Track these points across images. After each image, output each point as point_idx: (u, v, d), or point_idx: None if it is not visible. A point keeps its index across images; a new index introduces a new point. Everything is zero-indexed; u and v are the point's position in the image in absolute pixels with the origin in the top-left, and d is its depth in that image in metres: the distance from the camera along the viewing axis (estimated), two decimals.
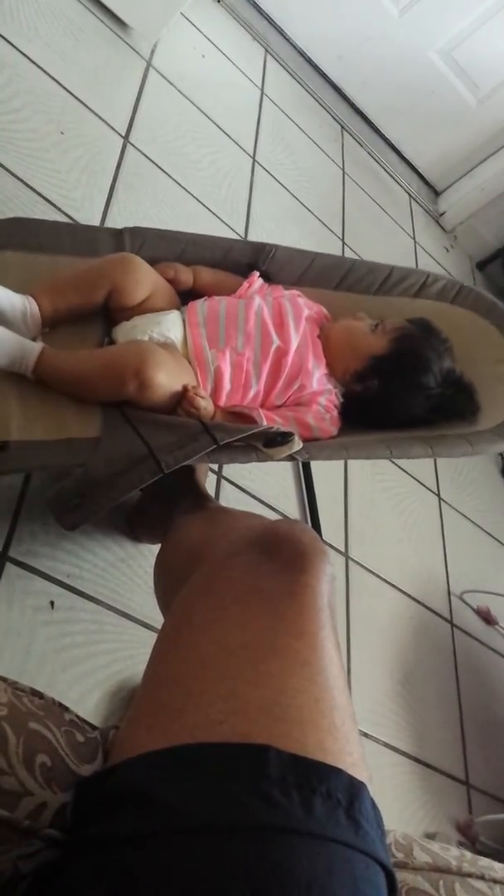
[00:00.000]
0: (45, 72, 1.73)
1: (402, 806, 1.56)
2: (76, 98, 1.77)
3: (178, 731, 0.54)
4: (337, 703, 0.58)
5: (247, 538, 0.76)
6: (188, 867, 0.45)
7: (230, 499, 1.56)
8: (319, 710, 0.56)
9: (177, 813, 0.48)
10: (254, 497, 1.62)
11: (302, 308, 1.22)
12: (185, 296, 1.23)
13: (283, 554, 0.70)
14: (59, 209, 1.56)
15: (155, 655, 0.68)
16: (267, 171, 2.32)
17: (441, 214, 3.24)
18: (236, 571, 0.71)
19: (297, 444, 1.03)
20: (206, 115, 2.18)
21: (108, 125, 1.82)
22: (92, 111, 1.79)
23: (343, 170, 2.79)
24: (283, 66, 2.77)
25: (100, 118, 1.80)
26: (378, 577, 1.83)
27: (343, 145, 2.89)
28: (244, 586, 0.68)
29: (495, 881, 0.76)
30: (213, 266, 1.27)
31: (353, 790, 0.52)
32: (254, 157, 2.29)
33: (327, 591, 0.68)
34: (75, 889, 0.47)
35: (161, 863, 0.45)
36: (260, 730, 0.53)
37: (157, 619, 1.22)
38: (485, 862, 0.79)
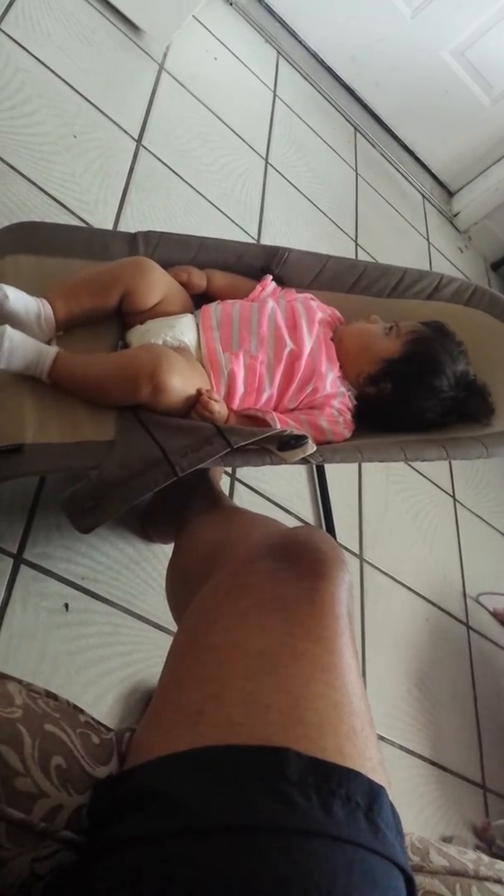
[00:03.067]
0: (57, 75, 1.74)
1: (418, 809, 1.55)
2: (89, 102, 1.78)
3: (198, 732, 0.54)
4: (355, 709, 0.58)
5: (266, 544, 0.76)
6: (207, 868, 0.45)
7: (244, 501, 1.56)
8: (338, 715, 0.56)
9: (197, 814, 0.48)
10: (268, 499, 1.62)
11: (315, 311, 1.22)
12: (198, 299, 1.23)
13: (303, 561, 0.70)
14: (72, 213, 1.57)
15: (172, 658, 0.68)
16: (280, 173, 2.32)
17: (455, 215, 3.23)
18: (256, 577, 0.71)
19: (311, 448, 1.03)
20: (219, 118, 2.19)
21: (121, 128, 1.82)
22: (105, 114, 1.80)
23: (356, 171, 2.78)
24: (295, 68, 2.77)
25: (112, 121, 1.81)
26: (393, 579, 1.83)
27: (356, 146, 2.89)
28: (264, 592, 0.68)
29: None
30: (226, 269, 1.27)
31: (373, 794, 0.52)
32: (266, 160, 2.30)
33: (346, 598, 0.68)
34: (95, 890, 0.47)
35: (180, 863, 0.46)
36: (279, 733, 0.53)
37: (171, 622, 1.22)
38: (501, 865, 0.79)
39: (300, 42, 2.82)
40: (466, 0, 2.66)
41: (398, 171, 3.08)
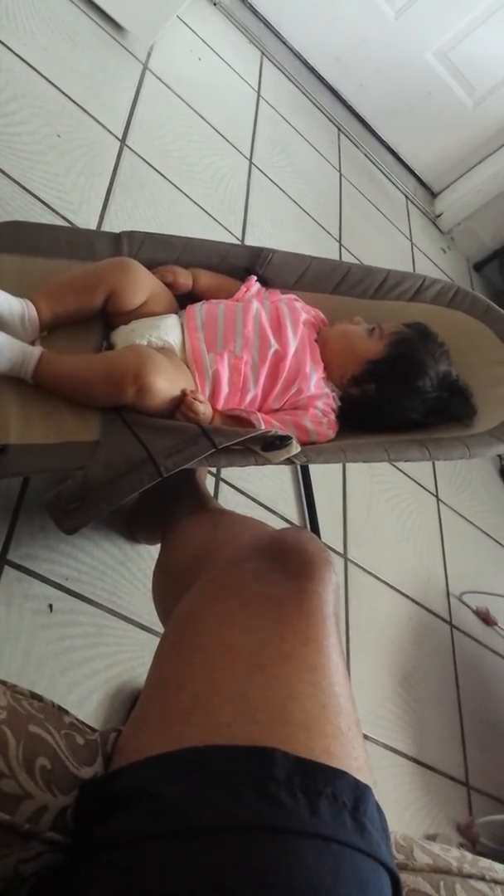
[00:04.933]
0: (41, 75, 1.74)
1: (402, 807, 1.56)
2: (73, 101, 1.77)
3: (186, 733, 0.55)
4: (342, 709, 0.58)
5: (253, 546, 0.76)
6: (195, 867, 0.45)
7: (229, 501, 1.56)
8: (325, 716, 0.57)
9: (184, 813, 0.48)
10: (252, 499, 1.62)
11: (299, 312, 1.22)
12: (183, 299, 1.23)
13: (291, 562, 0.70)
14: (56, 212, 1.57)
15: (160, 658, 0.69)
16: (264, 173, 2.32)
17: (438, 216, 3.24)
18: (244, 578, 0.71)
19: (295, 448, 1.03)
20: (203, 118, 2.19)
21: (105, 128, 1.82)
22: (89, 114, 1.79)
23: (340, 172, 2.79)
24: (279, 69, 2.77)
25: (96, 121, 1.80)
26: (377, 578, 1.83)
27: (340, 147, 2.89)
28: (252, 593, 0.68)
29: (496, 882, 0.76)
30: (211, 270, 1.27)
31: (358, 793, 0.52)
32: (250, 160, 2.30)
33: (333, 599, 0.69)
34: (81, 891, 0.47)
35: (168, 862, 0.46)
36: (267, 733, 0.54)
37: (156, 622, 1.22)
38: (485, 863, 0.79)
39: (284, 43, 2.82)
40: (449, 2, 2.67)
41: (382, 171, 3.09)
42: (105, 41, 1.99)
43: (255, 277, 1.27)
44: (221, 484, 1.57)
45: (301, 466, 1.79)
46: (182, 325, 1.15)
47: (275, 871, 0.45)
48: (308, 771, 0.51)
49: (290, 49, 2.84)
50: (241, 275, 1.28)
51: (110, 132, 1.83)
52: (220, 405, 1.12)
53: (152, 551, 1.33)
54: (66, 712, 0.64)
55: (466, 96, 2.93)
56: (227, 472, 1.59)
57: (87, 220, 1.63)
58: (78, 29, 1.92)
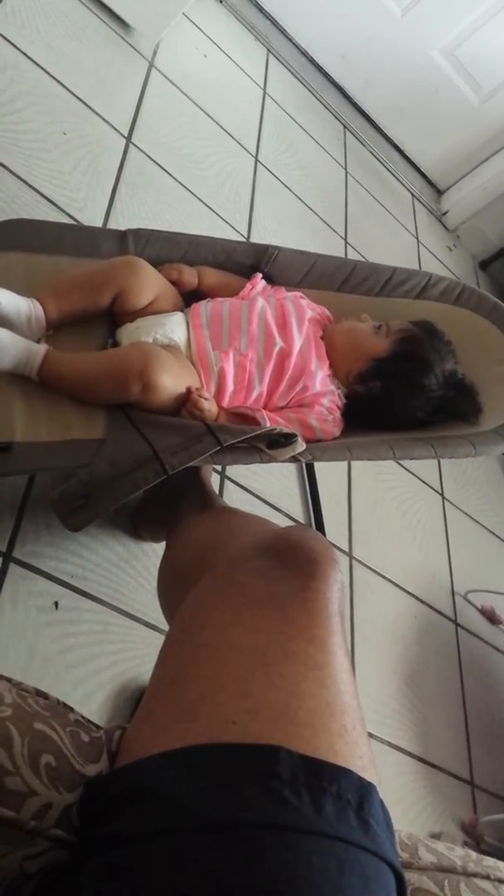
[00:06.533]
0: (47, 72, 1.73)
1: (406, 806, 1.56)
2: (78, 99, 1.77)
3: (191, 731, 0.55)
4: (347, 707, 0.58)
5: (258, 543, 0.76)
6: (199, 865, 0.45)
7: (234, 499, 1.56)
8: (330, 714, 0.57)
9: (188, 811, 0.48)
10: (258, 497, 1.62)
11: (305, 309, 1.22)
12: (189, 296, 1.23)
13: (296, 560, 0.70)
14: (61, 210, 1.57)
15: (165, 656, 0.69)
16: (269, 170, 2.32)
17: (444, 214, 3.23)
18: (248, 576, 0.71)
19: (301, 446, 1.03)
20: (209, 115, 2.18)
21: (111, 126, 1.82)
22: (94, 112, 1.79)
23: (346, 169, 2.79)
24: (285, 66, 2.77)
25: (102, 119, 1.80)
26: (382, 576, 1.83)
27: (346, 145, 2.89)
28: (256, 591, 0.68)
29: (500, 881, 0.76)
30: (216, 267, 1.27)
31: (363, 791, 0.52)
32: (256, 157, 2.29)
33: (338, 597, 0.69)
34: (86, 888, 0.47)
35: (172, 860, 0.46)
36: (272, 731, 0.54)
37: (161, 620, 1.22)
38: (490, 861, 0.79)
39: (290, 40, 2.82)
40: None
41: (388, 169, 3.09)
42: (111, 39, 1.99)
43: (260, 275, 1.27)
44: (226, 482, 1.57)
45: (306, 464, 1.79)
46: (187, 323, 1.15)
47: (279, 869, 0.45)
48: (312, 769, 0.51)
49: (296, 46, 2.84)
50: (247, 272, 1.28)
51: (116, 130, 1.83)
52: (226, 403, 1.12)
53: (157, 549, 1.33)
54: (71, 709, 0.64)
55: (473, 94, 2.92)
56: (232, 470, 1.59)
57: (92, 217, 1.63)
58: (83, 26, 1.92)
